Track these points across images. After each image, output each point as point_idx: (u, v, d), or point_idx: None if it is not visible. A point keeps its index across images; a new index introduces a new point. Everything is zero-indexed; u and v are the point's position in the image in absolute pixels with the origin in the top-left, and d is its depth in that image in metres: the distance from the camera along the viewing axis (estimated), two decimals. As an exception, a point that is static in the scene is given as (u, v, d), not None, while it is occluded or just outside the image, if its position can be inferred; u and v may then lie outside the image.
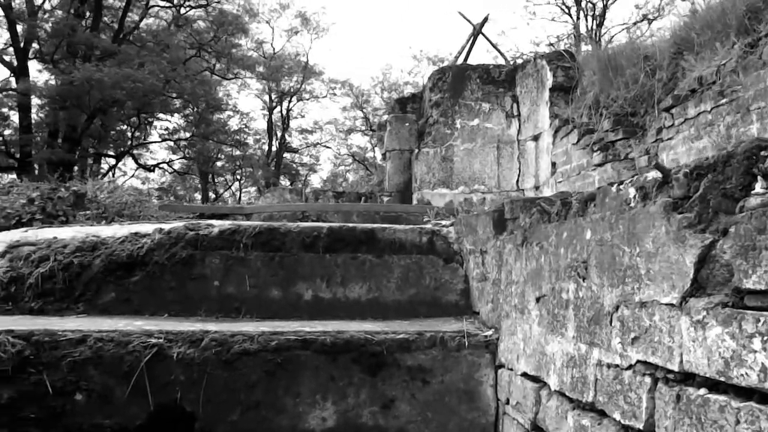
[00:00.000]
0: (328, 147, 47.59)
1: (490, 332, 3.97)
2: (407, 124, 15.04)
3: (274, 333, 3.87)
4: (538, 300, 3.22)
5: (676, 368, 2.03)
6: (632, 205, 2.34)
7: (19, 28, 28.14)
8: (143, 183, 39.05)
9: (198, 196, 42.41)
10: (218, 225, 4.78)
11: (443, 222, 5.55)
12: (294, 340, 3.82)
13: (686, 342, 1.97)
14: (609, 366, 2.46)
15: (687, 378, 2.00)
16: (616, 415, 2.39)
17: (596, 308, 2.56)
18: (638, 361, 2.26)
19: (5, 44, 28.85)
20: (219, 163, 42.36)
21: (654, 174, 2.24)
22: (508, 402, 3.71)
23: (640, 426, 2.21)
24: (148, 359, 3.73)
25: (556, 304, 2.98)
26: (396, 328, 4.07)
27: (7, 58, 28.45)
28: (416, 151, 14.65)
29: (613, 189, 2.51)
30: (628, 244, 2.32)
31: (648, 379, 2.19)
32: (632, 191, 2.34)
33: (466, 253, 4.69)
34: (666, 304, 2.08)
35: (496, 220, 4.08)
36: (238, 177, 45.27)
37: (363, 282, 4.64)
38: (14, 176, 23.11)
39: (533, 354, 3.28)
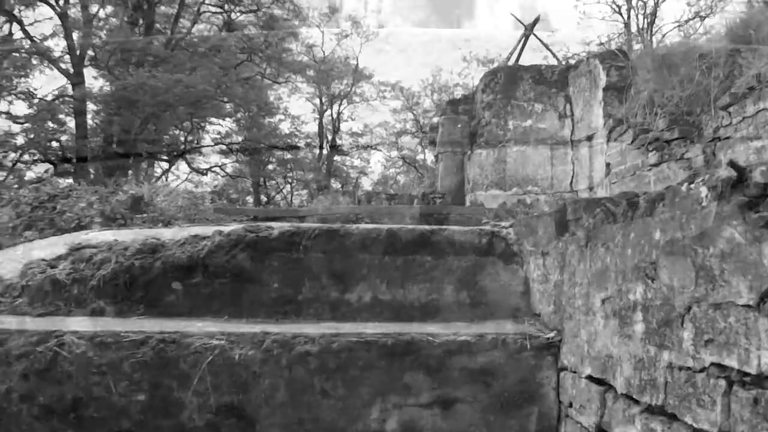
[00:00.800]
0: (378, 150, 47.59)
1: (552, 334, 3.92)
2: (459, 126, 14.98)
3: (335, 334, 3.87)
4: (603, 301, 3.17)
5: (753, 371, 1.99)
6: (704, 204, 2.29)
7: (75, 36, 28.67)
8: (196, 186, 39.40)
9: (250, 199, 42.68)
10: (277, 227, 4.79)
11: (502, 223, 5.50)
12: (355, 342, 3.82)
13: (765, 344, 1.92)
14: (680, 368, 2.41)
15: (765, 380, 1.96)
16: (688, 419, 2.34)
17: (666, 310, 2.52)
18: (712, 364, 2.21)
19: (62, 52, 29.39)
20: (270, 167, 42.61)
21: (727, 172, 2.19)
22: (570, 405, 3.67)
23: (714, 430, 2.17)
24: (209, 360, 3.76)
25: (623, 305, 2.94)
26: (456, 329, 4.05)
27: (63, 66, 28.99)
28: (468, 152, 14.61)
29: (683, 188, 2.47)
30: (700, 244, 2.27)
31: (722, 382, 2.15)
32: (704, 190, 2.30)
33: (525, 255, 4.64)
34: (742, 306, 2.03)
35: (557, 220, 4.03)
36: (290, 180, 45.51)
37: (422, 283, 4.60)
38: (71, 180, 23.49)
39: (598, 356, 3.23)
